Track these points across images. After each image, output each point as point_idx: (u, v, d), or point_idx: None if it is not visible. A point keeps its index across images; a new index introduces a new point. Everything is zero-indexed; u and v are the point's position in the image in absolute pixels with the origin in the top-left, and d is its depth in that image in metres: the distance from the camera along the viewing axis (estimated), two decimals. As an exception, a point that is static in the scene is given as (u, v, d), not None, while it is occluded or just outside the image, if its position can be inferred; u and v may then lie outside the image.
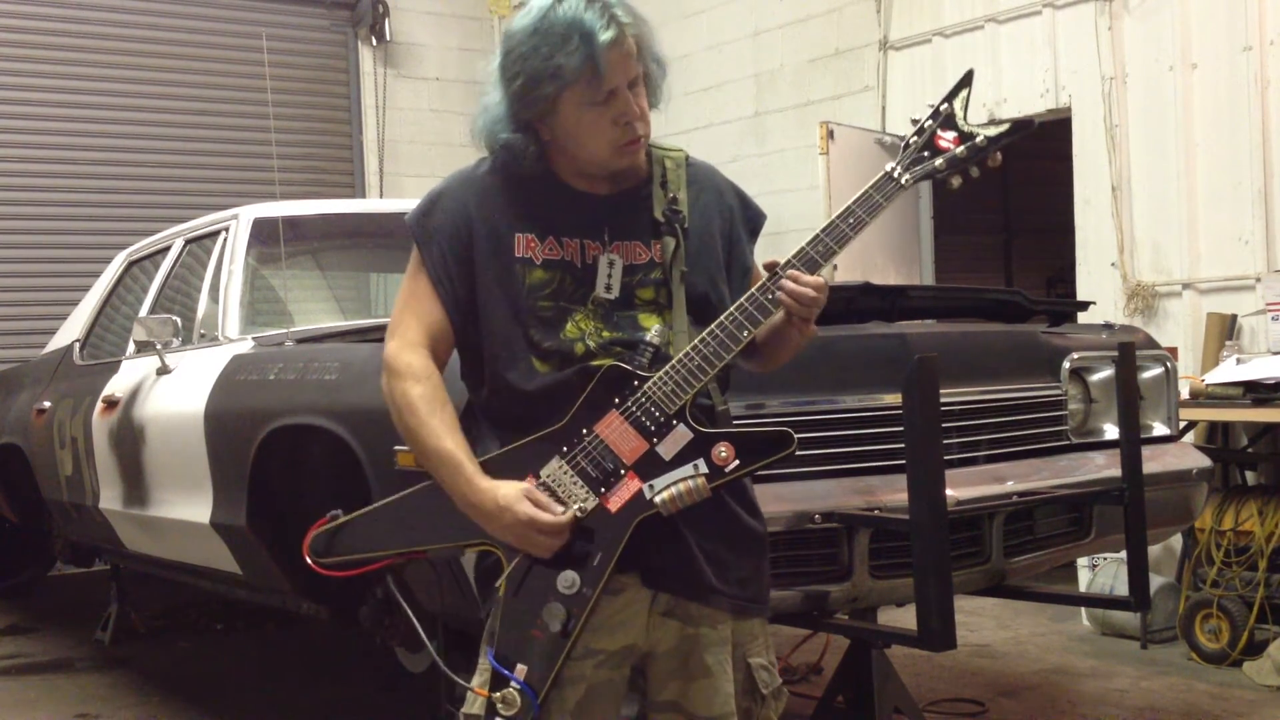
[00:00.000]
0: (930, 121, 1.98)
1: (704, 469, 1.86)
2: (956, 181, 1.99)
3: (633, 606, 1.96)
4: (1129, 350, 3.23)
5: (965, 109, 1.98)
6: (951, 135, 1.97)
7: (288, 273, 4.45)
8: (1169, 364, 3.72)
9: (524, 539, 1.86)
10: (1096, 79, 5.74)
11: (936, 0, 6.48)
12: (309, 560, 1.94)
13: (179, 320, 4.26)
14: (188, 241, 4.90)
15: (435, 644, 2.90)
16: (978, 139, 1.96)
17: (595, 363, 1.91)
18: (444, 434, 1.91)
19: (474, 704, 1.92)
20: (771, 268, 1.93)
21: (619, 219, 2.00)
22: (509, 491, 1.85)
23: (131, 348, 4.72)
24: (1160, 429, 3.67)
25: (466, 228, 1.98)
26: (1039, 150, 6.35)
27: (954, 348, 3.21)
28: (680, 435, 1.87)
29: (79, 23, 7.86)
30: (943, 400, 2.68)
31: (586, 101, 1.89)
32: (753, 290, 1.91)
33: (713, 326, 1.89)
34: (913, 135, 1.98)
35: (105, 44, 7.94)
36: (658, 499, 1.86)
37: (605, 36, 1.85)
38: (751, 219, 2.13)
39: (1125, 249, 5.66)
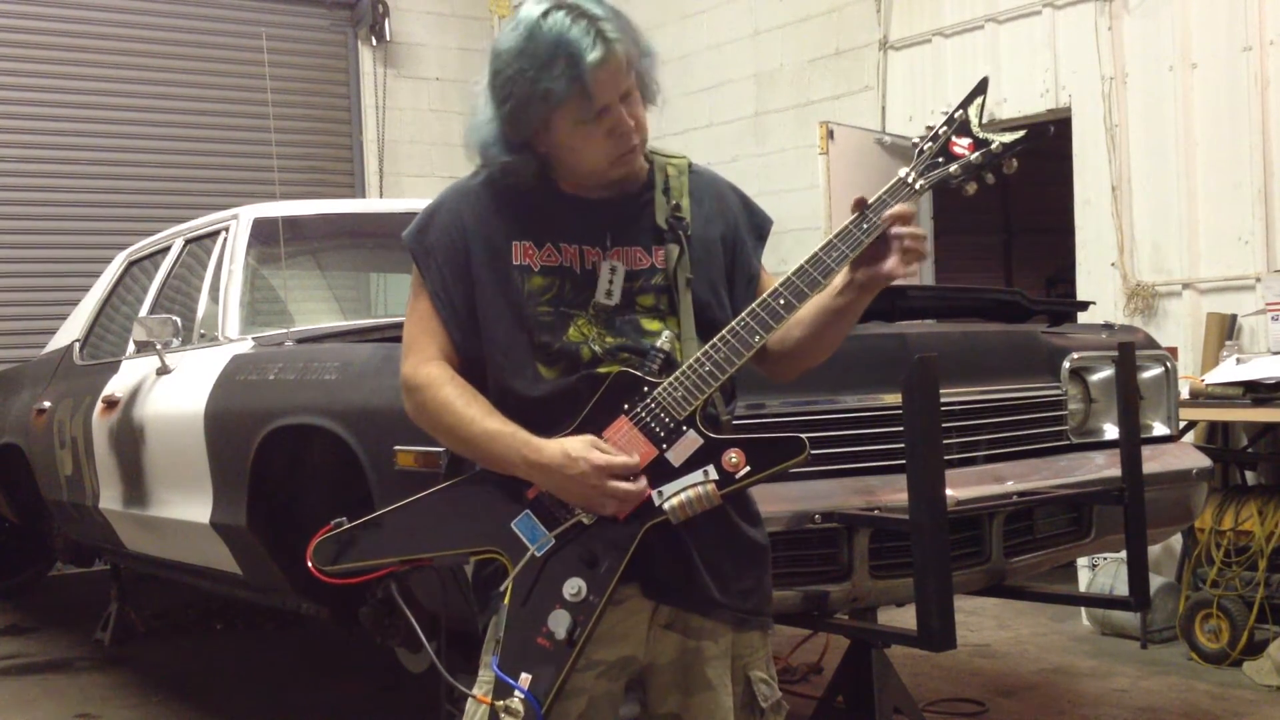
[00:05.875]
0: (945, 128, 1.96)
1: (714, 475, 1.84)
2: (971, 188, 1.97)
3: (633, 618, 1.94)
4: (1129, 350, 3.23)
5: (980, 115, 1.97)
6: (966, 141, 1.95)
7: (288, 273, 4.45)
8: (1169, 364, 3.71)
9: (595, 490, 1.82)
10: (1096, 79, 5.74)
11: (936, 0, 6.48)
12: (312, 568, 1.91)
13: (179, 320, 4.26)
14: (188, 241, 4.90)
15: (435, 645, 2.89)
16: (993, 145, 1.95)
17: (603, 369, 1.89)
18: (486, 417, 1.88)
19: (475, 714, 1.90)
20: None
21: (619, 224, 1.98)
22: (576, 442, 1.83)
23: (131, 348, 4.72)
24: (1160, 429, 3.67)
25: (463, 241, 1.96)
26: (1039, 150, 6.32)
27: (954, 348, 3.21)
28: (690, 441, 1.84)
29: (79, 23, 7.86)
30: (943, 400, 2.68)
31: (578, 119, 1.87)
32: (764, 296, 1.88)
33: (724, 332, 1.86)
34: (927, 141, 1.96)
35: (105, 44, 7.94)
36: (667, 505, 1.84)
37: (592, 57, 1.82)
38: (758, 225, 2.11)
39: (1125, 249, 5.66)
